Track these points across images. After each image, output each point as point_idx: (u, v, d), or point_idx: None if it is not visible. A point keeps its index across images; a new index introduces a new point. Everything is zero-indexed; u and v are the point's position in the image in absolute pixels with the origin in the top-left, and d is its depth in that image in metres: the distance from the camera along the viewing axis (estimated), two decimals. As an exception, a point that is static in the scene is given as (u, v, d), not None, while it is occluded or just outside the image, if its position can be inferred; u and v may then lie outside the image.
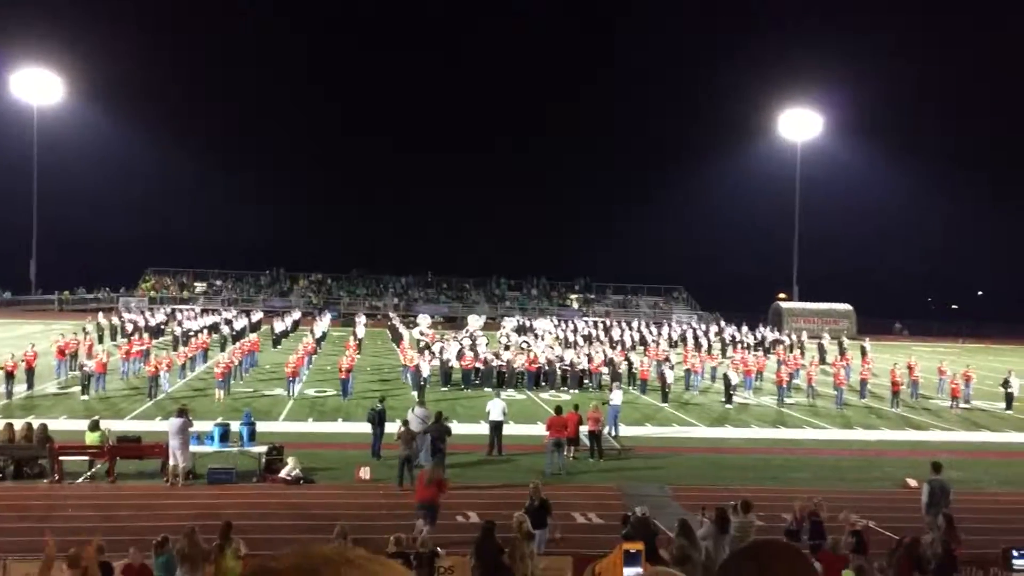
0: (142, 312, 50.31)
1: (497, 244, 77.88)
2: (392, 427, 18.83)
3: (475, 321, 41.65)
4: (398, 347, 40.32)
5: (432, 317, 49.10)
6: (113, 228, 70.37)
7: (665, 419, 26.91)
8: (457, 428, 21.24)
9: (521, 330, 49.95)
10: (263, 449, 17.97)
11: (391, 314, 57.12)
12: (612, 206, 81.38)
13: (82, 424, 19.39)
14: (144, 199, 73.47)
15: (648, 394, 31.48)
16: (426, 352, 32.71)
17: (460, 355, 32.85)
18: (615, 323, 54.70)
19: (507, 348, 35.58)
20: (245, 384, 30.33)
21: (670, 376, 30.19)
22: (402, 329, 44.77)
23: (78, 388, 27.04)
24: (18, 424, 17.77)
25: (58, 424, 20.73)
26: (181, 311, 51.15)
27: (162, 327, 46.51)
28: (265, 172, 77.78)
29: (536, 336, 41.81)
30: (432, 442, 17.67)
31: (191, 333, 39.63)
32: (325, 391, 29.32)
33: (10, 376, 25.82)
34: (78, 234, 69.83)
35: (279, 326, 44.67)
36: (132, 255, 69.34)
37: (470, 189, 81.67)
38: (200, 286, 69.10)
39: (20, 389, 26.86)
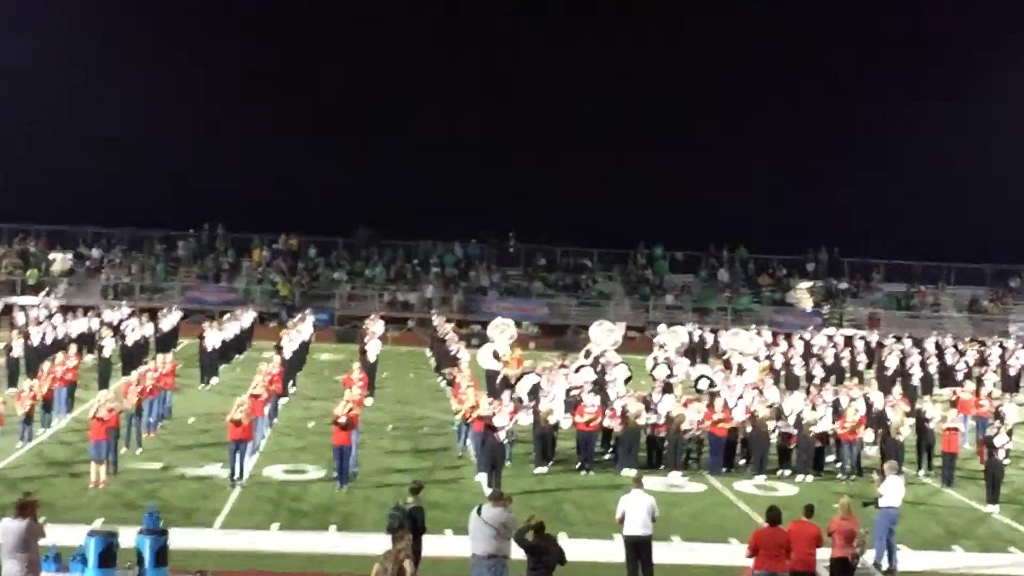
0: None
1: (647, 186, 76.43)
2: (436, 542, 18.97)
3: (604, 334, 41.39)
4: (449, 383, 40.36)
5: (518, 326, 48.88)
6: None
7: (995, 537, 26.57)
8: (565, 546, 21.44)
9: (696, 352, 49.65)
10: (182, 583, 18.31)
11: (435, 319, 56.98)
12: (879, 107, 79.38)
13: None
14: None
15: (958, 484, 31.23)
16: (505, 396, 32.21)
17: (573, 403, 32.97)
18: (889, 341, 53.69)
19: (668, 390, 35.06)
20: (148, 453, 30.64)
21: (1004, 448, 29.52)
22: (457, 349, 44.66)
23: None
24: None
25: None
26: (24, 309, 52.01)
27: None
28: (195, 55, 78.08)
29: (727, 366, 41.52)
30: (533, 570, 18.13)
31: (43, 351, 40.16)
32: (303, 470, 29.73)
33: None
34: None
35: (214, 339, 45.02)
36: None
37: (592, 82, 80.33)
38: (61, 259, 70.20)
39: None
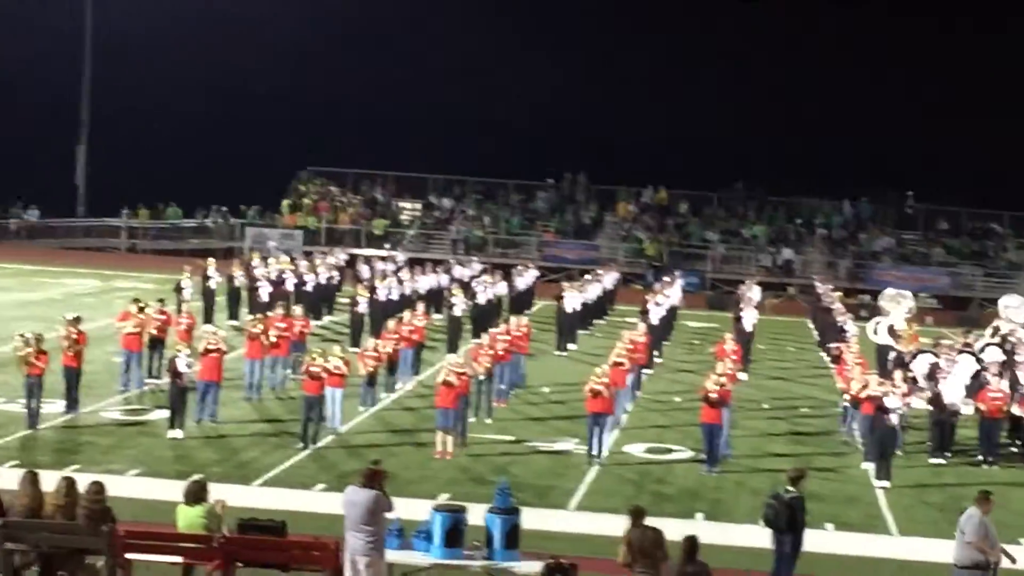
0: (292, 259, 51.95)
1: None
2: (816, 538, 19.08)
3: (1014, 310, 40.52)
4: (834, 359, 39.69)
5: (915, 297, 47.52)
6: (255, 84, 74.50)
7: None
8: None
9: None
10: (535, 568, 18.31)
11: (820, 286, 56.06)
12: None
13: (171, 489, 20.30)
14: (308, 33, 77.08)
15: None
16: (898, 375, 31.05)
17: (977, 387, 32.27)
18: None
19: (1090, 376, 33.88)
20: (499, 423, 31.44)
21: None
22: (844, 321, 43.41)
23: (163, 413, 29.01)
24: (50, 479, 18.40)
25: (124, 484, 22.62)
26: (370, 262, 53.37)
27: (333, 288, 49.02)
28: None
29: None
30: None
31: (389, 308, 41.08)
32: (668, 449, 30.14)
33: (36, 383, 27.90)
34: (158, 105, 74.36)
35: (573, 301, 45.60)
36: (273, 142, 73.07)
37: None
38: (410, 208, 72.18)
39: (54, 408, 29.12)
